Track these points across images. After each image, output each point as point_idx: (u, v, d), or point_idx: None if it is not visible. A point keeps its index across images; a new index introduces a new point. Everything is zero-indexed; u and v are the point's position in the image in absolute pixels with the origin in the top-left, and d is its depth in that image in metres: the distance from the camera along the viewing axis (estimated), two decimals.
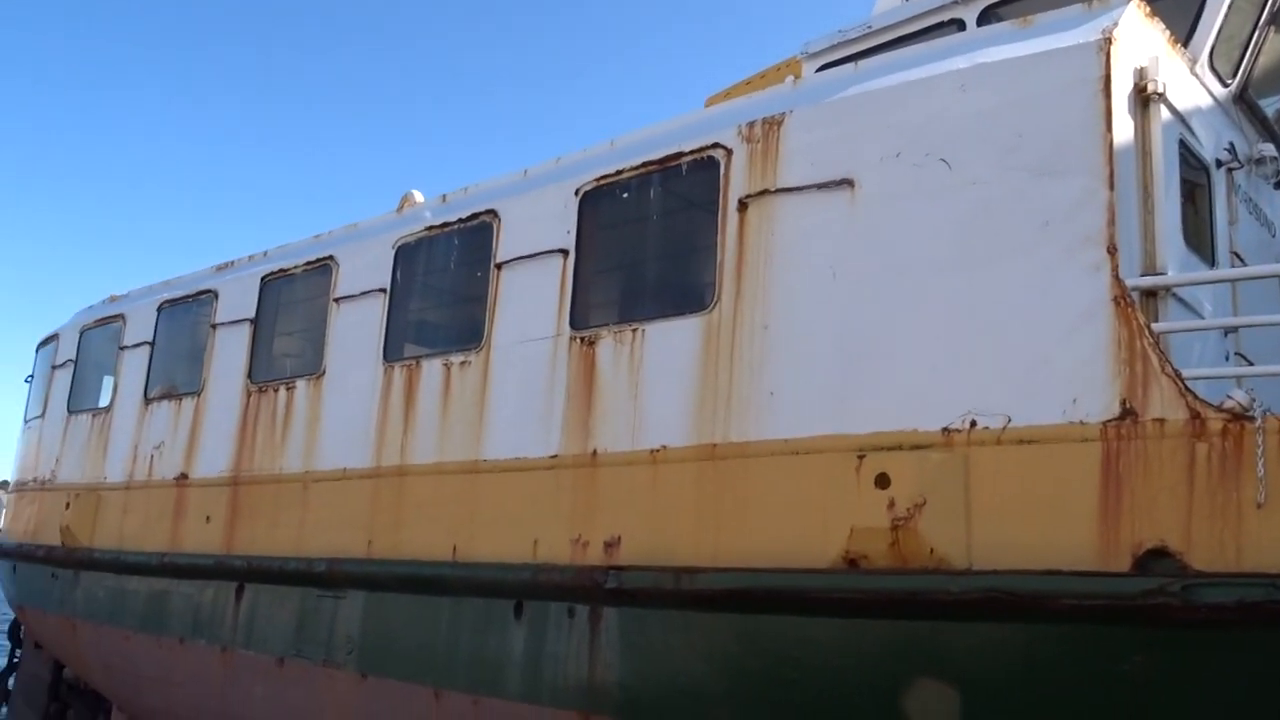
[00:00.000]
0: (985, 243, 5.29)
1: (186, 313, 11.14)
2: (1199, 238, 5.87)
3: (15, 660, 14.14)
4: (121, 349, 11.78)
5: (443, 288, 8.71)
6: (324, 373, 8.93)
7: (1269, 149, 6.81)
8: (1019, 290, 5.13)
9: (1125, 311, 4.80)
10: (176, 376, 11.01)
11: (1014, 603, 4.71)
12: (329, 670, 8.15)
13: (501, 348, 7.45)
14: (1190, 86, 5.98)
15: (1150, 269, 5.17)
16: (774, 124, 6.23)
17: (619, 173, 7.03)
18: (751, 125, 6.34)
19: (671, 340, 6.42)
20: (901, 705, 5.13)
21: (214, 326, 10.37)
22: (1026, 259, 5.13)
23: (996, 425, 5.01)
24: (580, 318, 7.02)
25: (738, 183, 6.32)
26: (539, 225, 7.43)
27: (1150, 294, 5.11)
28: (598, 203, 7.18)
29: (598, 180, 7.14)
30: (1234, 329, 5.84)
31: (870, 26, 7.90)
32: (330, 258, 9.24)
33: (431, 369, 7.95)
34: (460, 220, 8.11)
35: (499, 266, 7.63)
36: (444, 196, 8.64)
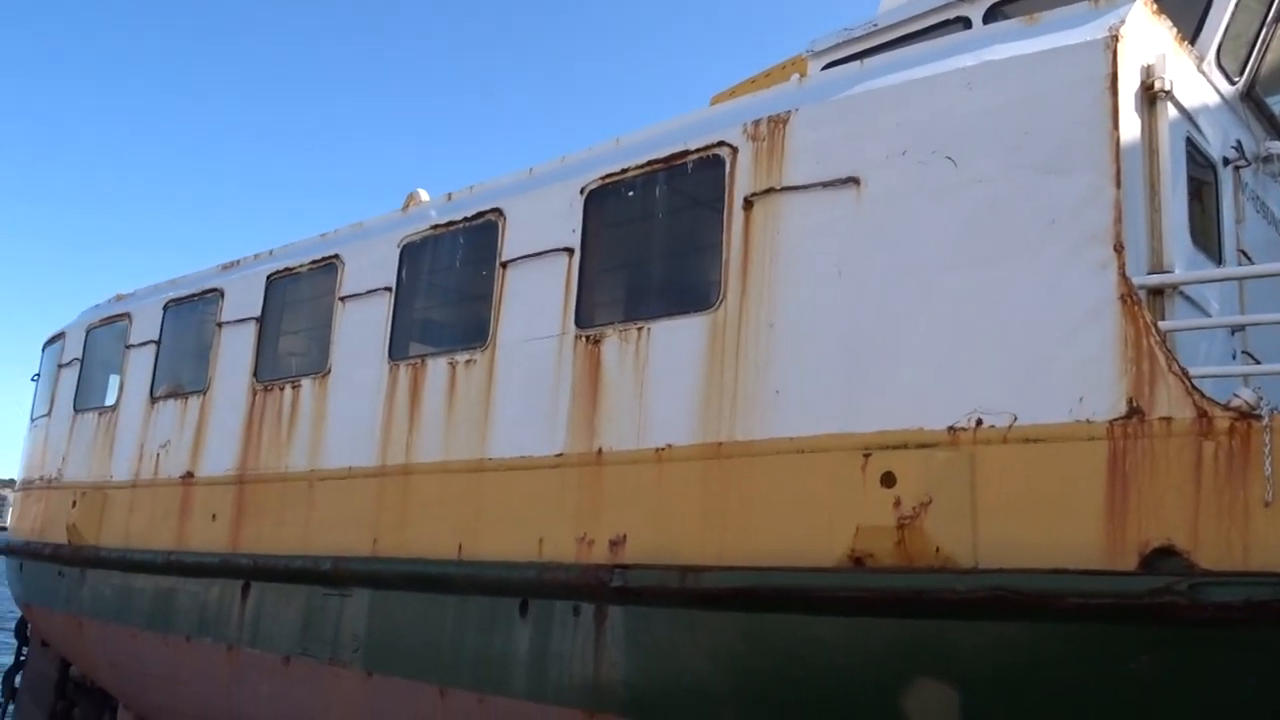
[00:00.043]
0: (991, 241, 5.28)
1: (192, 311, 11.17)
2: (1206, 236, 5.85)
3: (22, 658, 14.18)
4: (127, 348, 11.81)
5: (448, 286, 8.72)
6: (329, 371, 8.94)
7: (1276, 147, 6.77)
8: (1025, 288, 5.12)
9: (1132, 310, 4.79)
10: (182, 375, 11.04)
11: (1020, 602, 4.70)
12: (335, 668, 8.17)
13: (507, 346, 7.46)
14: (1197, 84, 5.96)
15: (1157, 267, 5.15)
16: (779, 122, 6.23)
17: (624, 171, 7.03)
18: (757, 123, 6.33)
19: (677, 339, 6.42)
20: (907, 704, 5.12)
21: (219, 325, 10.40)
22: (1033, 257, 5.12)
23: (1002, 424, 5.00)
24: (585, 316, 7.02)
25: (743, 181, 6.31)
26: (544, 224, 7.43)
27: (1157, 292, 5.09)
28: (603, 201, 7.18)
29: (603, 179, 7.14)
30: (1241, 327, 5.82)
31: (876, 24, 7.88)
32: (335, 256, 9.25)
33: (437, 368, 7.95)
34: (465, 219, 8.11)
35: (504, 265, 7.63)
36: (449, 195, 8.65)
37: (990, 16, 7.23)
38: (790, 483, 5.66)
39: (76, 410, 12.63)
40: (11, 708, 14.01)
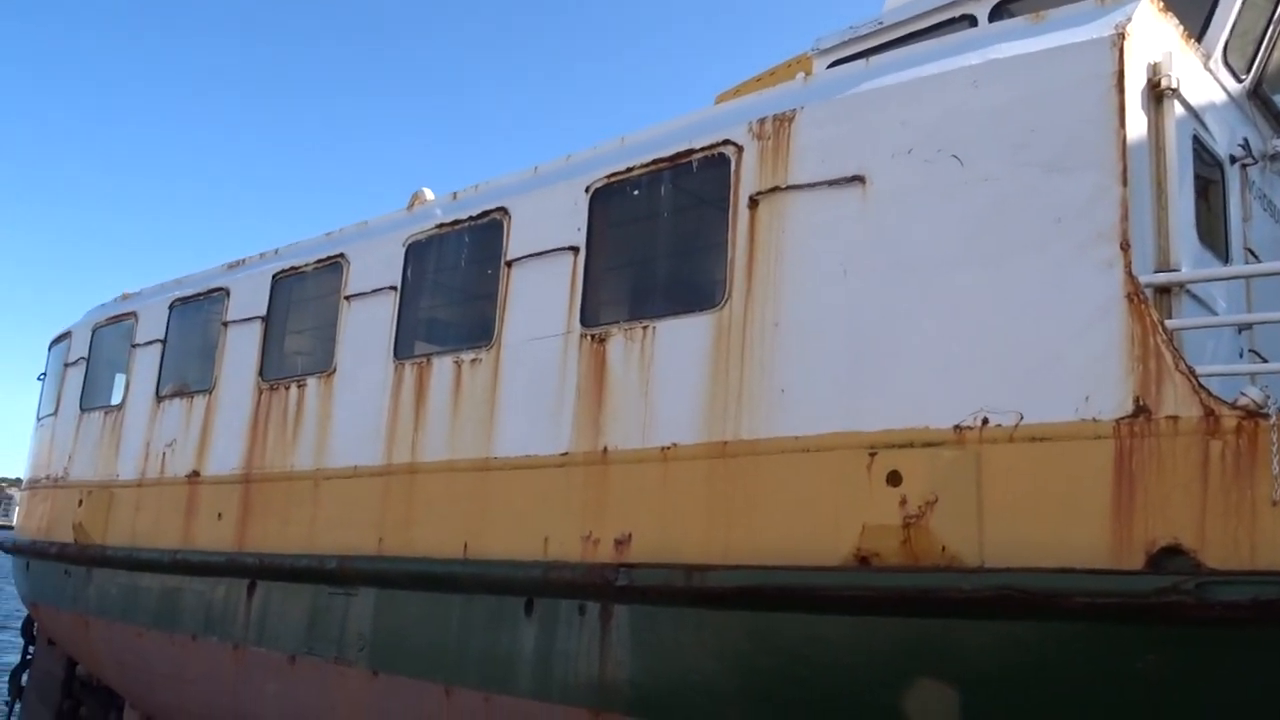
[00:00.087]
0: (997, 239, 5.27)
1: (198, 310, 11.18)
2: (1213, 234, 5.83)
3: (29, 657, 14.21)
4: (134, 347, 11.83)
5: (453, 285, 8.73)
6: (335, 370, 8.95)
7: None
8: (1031, 287, 5.10)
9: (1138, 308, 4.77)
10: (188, 374, 11.05)
11: (1026, 601, 4.69)
12: (340, 667, 8.18)
13: (512, 345, 7.46)
14: (1204, 82, 5.95)
15: (1164, 265, 5.14)
16: (785, 120, 6.22)
17: (629, 170, 7.03)
18: (762, 122, 6.32)
19: (682, 338, 6.42)
20: (912, 703, 5.12)
21: (225, 324, 10.41)
22: (1039, 255, 5.11)
23: (1009, 423, 4.99)
24: (591, 315, 7.02)
25: (748, 180, 6.30)
26: (549, 222, 7.43)
27: (1164, 290, 5.08)
28: (608, 200, 7.18)
29: (608, 177, 7.14)
30: (1248, 326, 5.81)
31: (881, 22, 7.87)
32: (341, 255, 9.26)
33: (442, 366, 7.96)
34: (471, 218, 8.11)
35: (509, 264, 7.63)
36: (454, 194, 8.65)
37: (996, 14, 7.22)
38: (796, 482, 5.65)
39: (83, 409, 12.65)
40: (18, 706, 14.05)
